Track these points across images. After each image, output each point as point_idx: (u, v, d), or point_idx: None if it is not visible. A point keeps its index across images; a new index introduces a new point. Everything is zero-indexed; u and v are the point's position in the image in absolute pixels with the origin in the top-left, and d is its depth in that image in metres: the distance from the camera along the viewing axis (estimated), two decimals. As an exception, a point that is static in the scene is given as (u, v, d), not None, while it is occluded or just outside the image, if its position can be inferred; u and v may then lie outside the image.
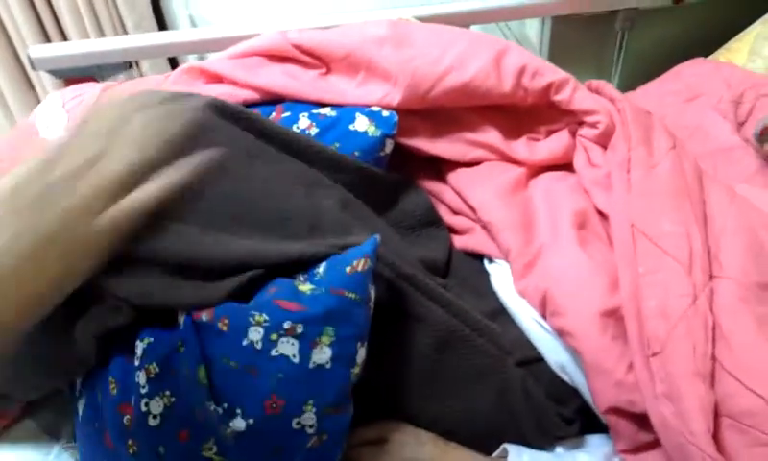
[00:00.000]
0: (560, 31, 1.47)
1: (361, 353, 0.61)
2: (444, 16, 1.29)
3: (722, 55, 1.23)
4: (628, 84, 1.34)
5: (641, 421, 0.68)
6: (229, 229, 0.66)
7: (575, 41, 1.49)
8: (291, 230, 0.69)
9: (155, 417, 0.58)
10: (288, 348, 0.58)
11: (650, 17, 1.43)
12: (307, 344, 0.58)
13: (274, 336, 0.58)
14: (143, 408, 0.59)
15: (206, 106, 0.74)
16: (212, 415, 0.57)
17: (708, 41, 1.31)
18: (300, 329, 0.58)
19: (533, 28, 1.54)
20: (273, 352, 0.58)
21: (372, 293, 0.63)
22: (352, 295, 0.60)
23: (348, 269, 0.61)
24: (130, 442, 0.60)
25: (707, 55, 1.27)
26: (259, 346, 0.58)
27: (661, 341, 0.65)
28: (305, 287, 0.61)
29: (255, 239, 0.66)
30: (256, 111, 0.81)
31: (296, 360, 0.57)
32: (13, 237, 0.41)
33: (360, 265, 0.61)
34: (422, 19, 1.07)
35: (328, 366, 0.58)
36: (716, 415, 0.62)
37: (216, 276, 0.63)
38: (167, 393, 0.59)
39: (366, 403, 0.67)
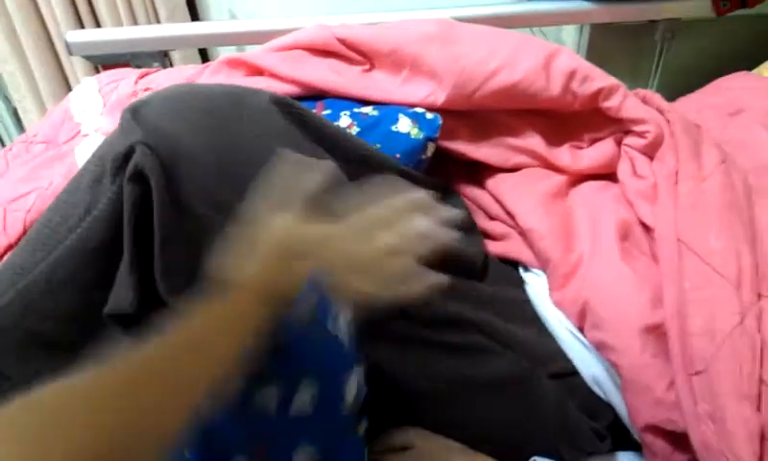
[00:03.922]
0: (597, 39, 1.45)
1: (351, 386, 0.58)
2: (481, 19, 1.28)
3: (766, 69, 1.21)
4: (665, 97, 1.31)
5: (678, 440, 0.66)
6: None
7: (612, 50, 1.47)
8: None
9: None
10: (267, 399, 0.55)
11: (690, 29, 1.40)
12: (286, 393, 0.55)
13: (255, 386, 0.55)
14: None
15: (271, 101, 0.73)
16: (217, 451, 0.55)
17: (749, 55, 1.29)
18: (275, 380, 0.55)
19: (570, 35, 1.53)
20: (255, 402, 0.55)
21: (342, 320, 0.59)
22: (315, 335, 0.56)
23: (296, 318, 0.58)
24: None
25: (748, 69, 1.24)
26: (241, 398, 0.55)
27: (706, 360, 0.63)
28: None
29: None
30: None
31: (274, 410, 0.55)
32: None
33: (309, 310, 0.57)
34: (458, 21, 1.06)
35: (309, 411, 0.55)
36: (761, 439, 0.60)
37: None
38: None
39: (392, 410, 0.66)
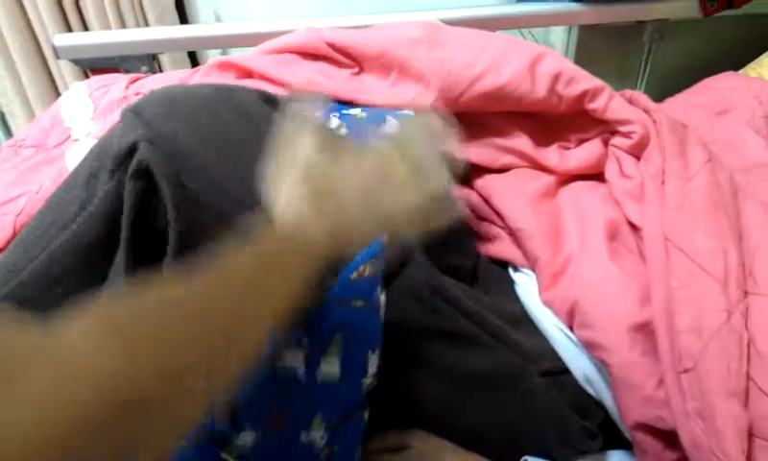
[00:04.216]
0: (586, 40, 1.46)
1: (372, 361, 0.59)
2: (470, 20, 1.29)
3: (752, 69, 1.22)
4: (653, 97, 1.32)
5: (668, 438, 0.66)
6: None
7: (601, 51, 1.48)
8: None
9: None
10: (294, 360, 0.56)
11: (678, 30, 1.41)
12: (314, 356, 0.56)
13: (280, 348, 0.56)
14: None
15: (259, 98, 0.73)
16: (225, 426, 0.55)
17: (736, 55, 1.29)
18: (305, 342, 0.56)
19: (558, 36, 1.53)
20: (279, 365, 0.56)
21: (382, 297, 0.61)
22: (359, 303, 0.58)
23: (353, 275, 0.59)
24: None
25: (735, 69, 1.25)
26: (265, 357, 0.56)
27: (694, 357, 0.64)
28: None
29: None
30: None
31: (301, 373, 0.56)
32: None
33: (366, 270, 0.59)
34: (447, 23, 1.06)
35: (336, 377, 0.56)
36: (749, 435, 0.61)
37: None
38: None
39: (387, 410, 0.66)
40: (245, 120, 0.68)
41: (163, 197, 0.60)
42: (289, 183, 0.50)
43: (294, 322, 0.54)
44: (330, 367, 0.56)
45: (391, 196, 0.52)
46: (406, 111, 0.83)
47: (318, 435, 0.56)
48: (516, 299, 0.81)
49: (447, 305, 0.71)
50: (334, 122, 0.82)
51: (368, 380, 0.59)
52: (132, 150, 0.61)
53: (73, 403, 0.27)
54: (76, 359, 0.29)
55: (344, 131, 0.82)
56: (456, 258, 0.81)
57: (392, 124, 0.57)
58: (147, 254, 0.62)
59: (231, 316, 0.40)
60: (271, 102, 0.74)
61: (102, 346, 0.31)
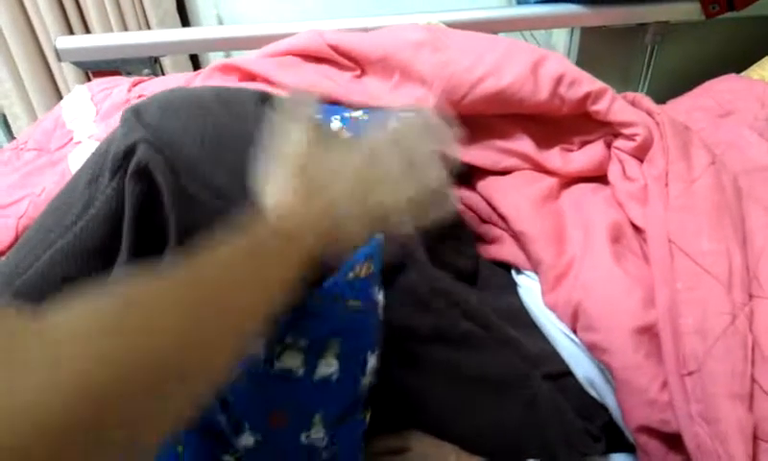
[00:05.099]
0: (588, 42, 1.46)
1: (371, 362, 0.59)
2: (472, 23, 1.29)
3: (754, 72, 1.22)
4: (655, 100, 1.32)
5: (672, 441, 0.66)
6: None
7: (602, 54, 1.48)
8: None
9: None
10: (292, 361, 0.56)
11: (680, 32, 1.41)
12: (312, 357, 0.56)
13: (278, 349, 0.56)
14: None
15: (259, 100, 0.73)
16: (225, 428, 0.55)
17: (738, 58, 1.29)
18: (303, 343, 0.56)
19: (560, 38, 1.53)
20: (277, 365, 0.56)
21: (380, 297, 0.61)
22: (356, 303, 0.58)
23: (350, 275, 0.59)
24: None
25: (737, 71, 1.25)
26: (263, 359, 0.56)
27: (699, 360, 0.64)
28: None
29: None
30: None
31: (300, 373, 0.55)
32: None
33: (363, 270, 0.59)
34: (449, 26, 1.06)
35: (335, 378, 0.56)
36: (753, 438, 0.61)
37: None
38: None
39: (389, 412, 0.66)
40: (245, 122, 0.68)
41: (163, 197, 0.60)
42: (280, 177, 0.51)
43: (291, 321, 0.54)
44: (328, 368, 0.56)
45: (383, 191, 0.52)
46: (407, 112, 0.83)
47: (318, 436, 0.56)
48: (519, 303, 0.81)
49: (449, 307, 0.71)
50: (336, 124, 0.82)
51: (367, 380, 0.59)
52: (131, 151, 0.62)
53: (63, 391, 0.28)
54: (64, 350, 0.30)
55: (345, 133, 0.81)
56: (456, 258, 0.81)
57: (389, 120, 0.57)
58: (150, 255, 0.62)
59: (221, 306, 0.40)
60: (271, 103, 0.74)
61: (89, 337, 0.31)
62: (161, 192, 0.61)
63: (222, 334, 0.39)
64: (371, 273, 0.59)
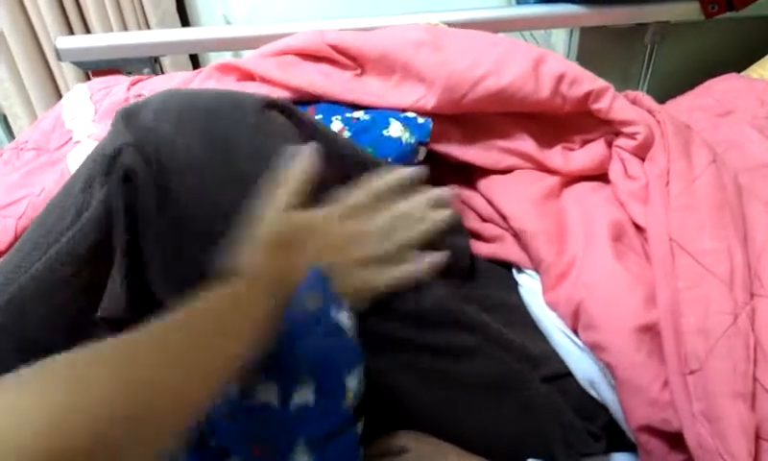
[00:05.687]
0: (587, 42, 1.46)
1: (351, 382, 0.58)
2: (472, 23, 1.29)
3: (754, 71, 1.22)
4: (655, 99, 1.32)
5: (674, 440, 0.66)
6: None
7: (602, 53, 1.48)
8: None
9: None
10: (267, 394, 0.55)
11: (679, 32, 1.41)
12: (286, 387, 0.56)
13: (250, 384, 0.56)
14: None
15: (263, 106, 0.72)
16: (213, 451, 0.55)
17: (738, 57, 1.29)
18: (275, 375, 0.56)
19: (560, 38, 1.53)
20: (251, 401, 0.55)
21: (343, 316, 0.60)
22: (318, 330, 0.57)
23: (305, 307, 0.58)
24: None
25: (737, 71, 1.25)
26: (237, 396, 0.56)
27: (700, 359, 0.64)
28: None
29: None
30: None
31: (276, 405, 0.55)
32: None
33: (312, 303, 0.58)
34: (449, 26, 1.06)
35: (312, 404, 0.56)
36: (756, 438, 0.61)
37: None
38: None
39: (387, 414, 0.65)
40: (243, 128, 0.68)
41: (145, 201, 0.61)
42: (259, 233, 0.57)
43: (263, 359, 0.54)
44: (303, 397, 0.56)
45: (357, 253, 0.59)
46: (409, 114, 0.83)
47: (304, 458, 0.55)
48: (520, 302, 0.80)
49: (444, 322, 0.71)
50: (336, 124, 0.82)
51: (350, 400, 0.58)
52: (116, 155, 0.62)
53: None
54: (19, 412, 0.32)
55: (346, 133, 0.81)
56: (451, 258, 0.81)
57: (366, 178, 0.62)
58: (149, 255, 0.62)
59: (192, 360, 0.43)
60: (278, 108, 0.73)
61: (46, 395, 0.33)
62: (143, 196, 0.62)
63: (193, 387, 0.42)
64: (320, 304, 0.59)
